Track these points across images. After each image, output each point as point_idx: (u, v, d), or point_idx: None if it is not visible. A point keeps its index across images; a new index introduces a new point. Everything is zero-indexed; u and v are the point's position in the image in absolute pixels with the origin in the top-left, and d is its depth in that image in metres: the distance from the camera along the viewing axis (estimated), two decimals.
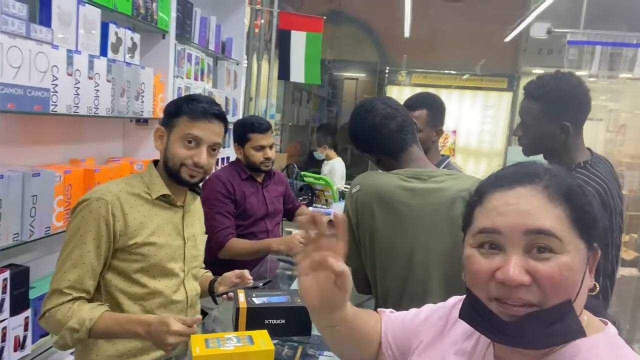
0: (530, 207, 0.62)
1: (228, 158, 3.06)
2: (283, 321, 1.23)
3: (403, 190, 1.29)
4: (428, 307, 0.90)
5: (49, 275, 1.72)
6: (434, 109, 1.92)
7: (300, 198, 3.20)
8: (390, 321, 0.91)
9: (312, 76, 3.55)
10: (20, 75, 1.40)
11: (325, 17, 3.63)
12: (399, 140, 1.35)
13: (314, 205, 3.37)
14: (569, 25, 3.41)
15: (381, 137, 1.35)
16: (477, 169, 7.88)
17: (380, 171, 1.41)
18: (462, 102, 8.72)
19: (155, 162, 1.43)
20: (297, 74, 3.53)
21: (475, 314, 0.66)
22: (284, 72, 3.56)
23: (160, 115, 2.10)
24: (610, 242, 1.43)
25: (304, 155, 8.04)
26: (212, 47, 2.87)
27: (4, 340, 1.49)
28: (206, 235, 1.74)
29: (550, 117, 1.47)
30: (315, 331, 1.52)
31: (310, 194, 3.34)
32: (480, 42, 7.43)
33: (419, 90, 2.28)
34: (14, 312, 1.51)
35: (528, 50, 7.49)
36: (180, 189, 1.43)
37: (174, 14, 2.30)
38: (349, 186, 1.56)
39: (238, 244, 2.17)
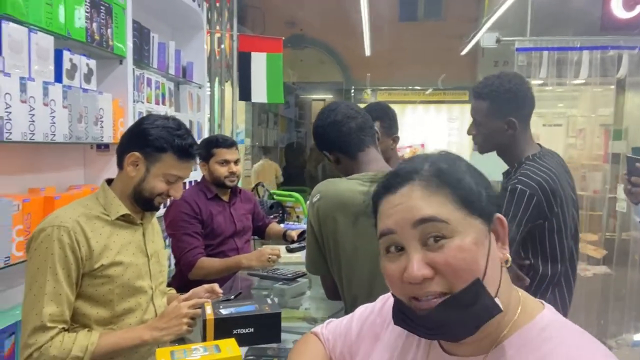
0: (413, 202, 0.65)
1: (196, 181, 3.04)
2: (252, 330, 1.23)
3: (363, 195, 1.31)
4: (357, 320, 0.90)
5: (14, 307, 1.66)
6: (386, 118, 1.99)
7: (272, 216, 3.20)
8: (329, 343, 0.92)
9: (274, 96, 3.60)
10: None
11: (286, 40, 3.70)
12: (358, 139, 1.39)
13: (286, 222, 3.38)
14: (517, 34, 3.58)
15: (340, 135, 1.39)
16: None
17: (339, 178, 1.44)
18: (428, 116, 8.95)
19: (108, 181, 1.42)
20: (259, 94, 3.58)
21: (402, 315, 0.68)
22: (244, 93, 3.60)
23: None
24: (564, 229, 1.49)
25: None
26: (172, 71, 2.89)
27: None
28: (168, 250, 1.72)
29: (497, 114, 1.55)
30: (289, 342, 1.52)
31: (281, 211, 3.34)
32: (439, 57, 7.69)
33: None
34: None
35: (484, 62, 7.78)
36: (138, 208, 1.42)
37: (130, 41, 2.31)
38: None
39: (208, 263, 2.15)
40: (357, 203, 1.32)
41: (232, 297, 1.46)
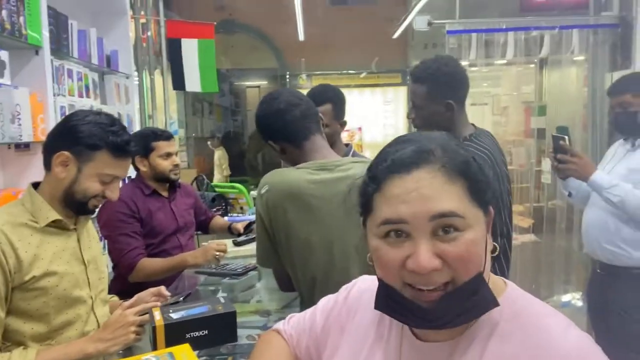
0: (431, 191, 0.61)
1: (130, 177, 2.87)
2: (206, 332, 1.17)
3: (311, 183, 1.30)
4: (321, 312, 0.87)
5: None
6: (338, 102, 1.97)
7: (214, 209, 3.11)
8: (293, 339, 0.90)
9: (208, 84, 3.46)
10: None
11: (217, 26, 3.56)
12: (303, 128, 1.36)
13: (230, 214, 3.29)
14: (447, 17, 3.67)
15: (285, 124, 1.35)
16: None
17: (286, 168, 1.41)
18: (363, 99, 9.07)
19: (34, 185, 1.30)
20: (193, 83, 3.42)
21: (392, 303, 0.65)
22: (178, 82, 3.44)
23: (42, 137, 1.92)
24: (501, 205, 1.55)
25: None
26: (95, 61, 2.69)
27: None
28: (106, 256, 1.61)
29: (436, 97, 1.58)
30: (242, 337, 1.48)
31: (224, 204, 3.25)
32: (371, 41, 7.79)
33: None
34: None
35: (415, 46, 7.98)
36: (71, 212, 1.30)
37: (45, 29, 2.11)
38: None
39: (150, 264, 2.04)
40: (308, 192, 1.30)
41: (182, 298, 1.38)
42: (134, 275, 2.03)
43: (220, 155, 7.74)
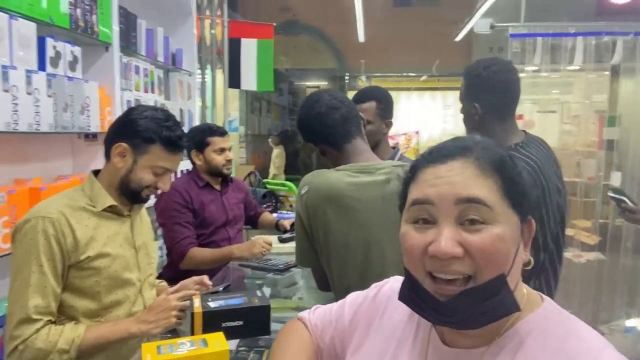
0: (462, 178, 0.62)
1: (187, 170, 3.00)
2: (241, 323, 1.21)
3: (352, 186, 1.30)
4: (350, 306, 0.87)
5: (2, 299, 1.64)
6: (383, 101, 1.94)
7: (264, 205, 3.18)
8: (317, 329, 0.90)
9: (264, 84, 3.55)
10: None
11: (279, 27, 3.64)
12: (343, 131, 1.36)
13: (279, 211, 3.35)
14: (511, 20, 3.54)
15: (325, 127, 1.36)
16: None
17: (327, 169, 1.42)
18: (422, 103, 8.92)
19: (95, 172, 1.39)
20: (249, 82, 3.52)
21: (413, 295, 0.65)
22: (234, 80, 3.54)
23: None
24: (546, 219, 1.48)
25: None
26: (161, 58, 2.84)
27: None
28: (157, 242, 1.70)
29: (467, 96, 1.57)
30: (278, 329, 1.50)
31: (274, 201, 3.32)
32: (433, 44, 7.64)
33: None
34: None
35: (478, 49, 7.73)
36: (126, 200, 1.39)
37: (116, 27, 2.25)
38: None
39: (199, 253, 2.13)
40: (347, 194, 1.30)
41: (221, 289, 1.44)
42: (185, 262, 2.12)
43: (278, 154, 7.91)
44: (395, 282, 0.85)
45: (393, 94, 2.16)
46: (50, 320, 1.22)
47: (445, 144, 0.68)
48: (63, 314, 1.28)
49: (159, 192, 1.43)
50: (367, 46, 7.79)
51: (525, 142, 1.53)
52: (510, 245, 0.62)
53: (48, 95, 1.76)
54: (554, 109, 4.32)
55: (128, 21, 2.43)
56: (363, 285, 1.30)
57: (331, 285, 1.40)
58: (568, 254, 3.52)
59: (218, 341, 1.04)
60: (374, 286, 0.88)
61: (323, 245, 1.34)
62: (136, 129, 1.32)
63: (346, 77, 9.06)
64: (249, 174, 3.44)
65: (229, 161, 2.29)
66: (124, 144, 1.32)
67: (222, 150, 2.26)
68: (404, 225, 0.66)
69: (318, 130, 1.37)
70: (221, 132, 2.28)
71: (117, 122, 1.39)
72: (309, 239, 1.36)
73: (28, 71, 1.66)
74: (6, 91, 1.56)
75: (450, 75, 8.38)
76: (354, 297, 0.90)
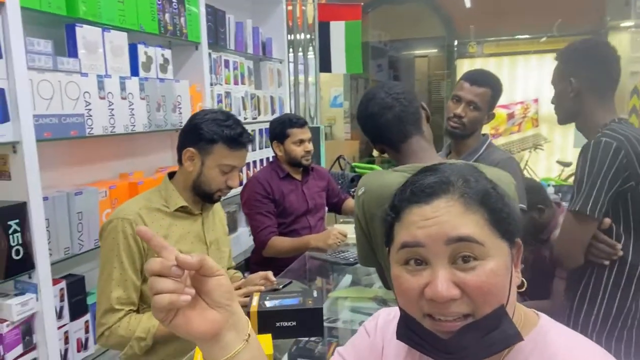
0: (448, 217, 0.61)
1: (268, 159, 3.11)
2: (294, 323, 1.25)
3: None
4: (353, 348, 0.83)
5: None
6: (496, 91, 1.83)
7: (353, 190, 3.19)
8: None
9: (353, 65, 3.51)
10: (53, 105, 1.55)
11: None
12: (397, 131, 1.30)
13: None
14: None
15: (378, 128, 1.31)
16: (566, 142, 7.24)
17: (385, 170, 1.38)
18: (542, 68, 8.06)
19: (170, 174, 1.51)
20: (339, 65, 3.51)
21: (411, 333, 0.65)
22: (324, 64, 3.56)
23: None
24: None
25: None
26: (250, 50, 2.94)
27: (67, 343, 1.67)
28: (230, 237, 1.81)
29: (560, 75, 1.47)
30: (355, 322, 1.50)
31: None
32: (553, 0, 6.81)
33: (493, 61, 2.14)
34: (73, 317, 1.69)
35: (613, 2, 6.71)
36: (199, 200, 1.50)
37: (204, 26, 2.38)
38: None
39: (279, 242, 2.23)
40: None
41: (281, 287, 1.49)
42: (266, 250, 2.24)
43: None
44: (386, 316, 0.82)
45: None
46: (131, 309, 1.38)
47: (425, 180, 0.66)
48: (145, 303, 1.43)
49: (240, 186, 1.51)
50: (475, 10, 7.23)
51: (621, 120, 1.42)
52: (504, 277, 0.62)
53: (141, 98, 1.94)
54: None
55: (216, 18, 2.54)
56: None
57: (390, 286, 1.38)
58: None
59: (265, 343, 1.09)
60: (371, 320, 0.84)
61: (380, 247, 1.32)
62: (199, 132, 1.41)
63: (455, 44, 8.54)
64: (338, 158, 3.46)
65: (308, 152, 2.33)
66: (191, 149, 1.42)
67: (302, 141, 2.30)
68: (395, 267, 0.66)
69: (372, 131, 1.33)
70: (301, 124, 2.31)
71: (183, 129, 1.49)
72: (367, 240, 1.35)
73: (122, 78, 1.84)
74: (102, 98, 1.75)
75: (576, 34, 7.43)
76: (361, 333, 0.85)
